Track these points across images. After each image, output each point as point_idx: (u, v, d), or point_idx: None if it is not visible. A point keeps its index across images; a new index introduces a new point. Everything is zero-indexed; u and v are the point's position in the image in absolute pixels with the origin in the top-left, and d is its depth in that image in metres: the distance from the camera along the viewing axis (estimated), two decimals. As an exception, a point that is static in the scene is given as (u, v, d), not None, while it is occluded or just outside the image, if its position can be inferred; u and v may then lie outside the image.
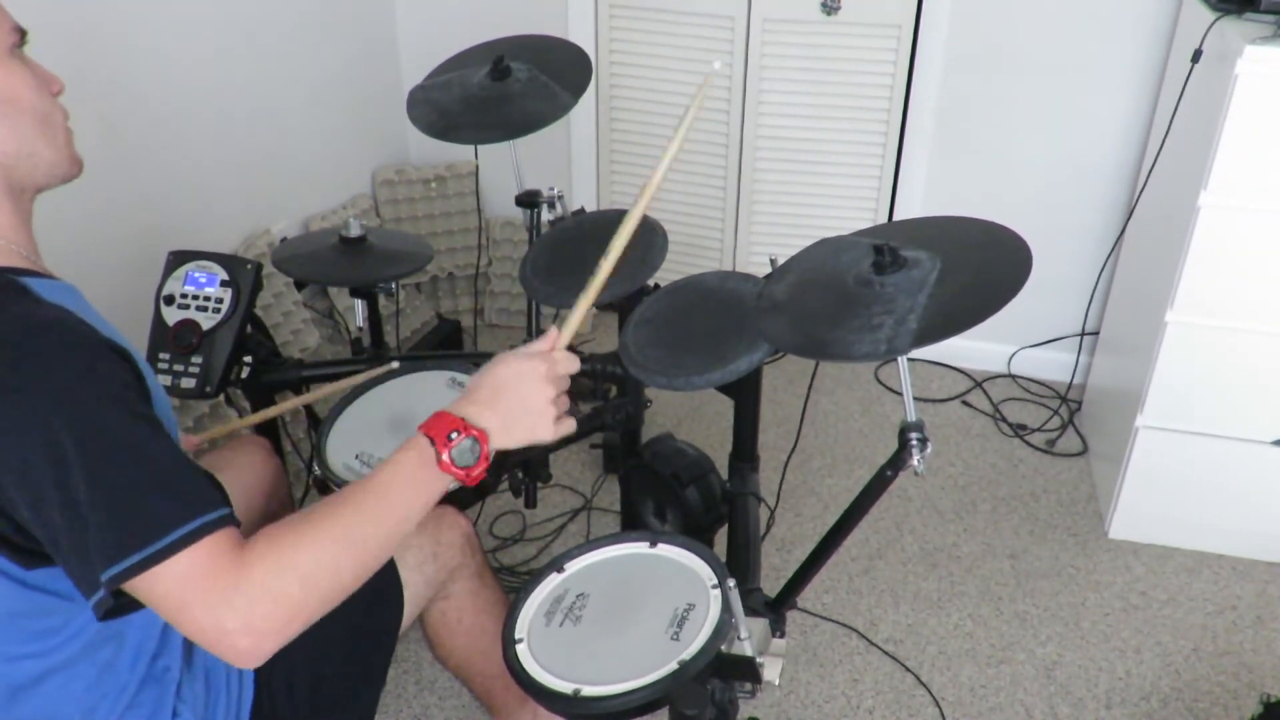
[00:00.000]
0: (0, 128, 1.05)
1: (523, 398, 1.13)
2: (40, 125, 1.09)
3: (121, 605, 0.96)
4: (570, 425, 1.17)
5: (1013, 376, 2.97)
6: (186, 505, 0.95)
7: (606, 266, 1.27)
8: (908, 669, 2.03)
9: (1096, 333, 2.79)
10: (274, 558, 0.96)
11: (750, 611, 1.31)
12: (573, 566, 1.39)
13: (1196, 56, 2.06)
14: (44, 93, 1.10)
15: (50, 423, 0.92)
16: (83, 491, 0.92)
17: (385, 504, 1.05)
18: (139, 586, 0.94)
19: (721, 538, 1.92)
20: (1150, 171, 2.35)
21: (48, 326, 0.98)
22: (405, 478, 1.07)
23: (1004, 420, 2.79)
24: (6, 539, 0.99)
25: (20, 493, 0.93)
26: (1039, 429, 2.75)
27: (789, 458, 2.38)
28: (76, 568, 0.94)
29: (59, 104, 1.12)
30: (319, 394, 1.74)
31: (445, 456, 1.07)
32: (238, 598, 0.93)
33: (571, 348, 1.27)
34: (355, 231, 2.01)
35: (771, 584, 1.73)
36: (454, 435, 1.08)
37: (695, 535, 1.73)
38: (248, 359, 1.88)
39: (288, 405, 1.75)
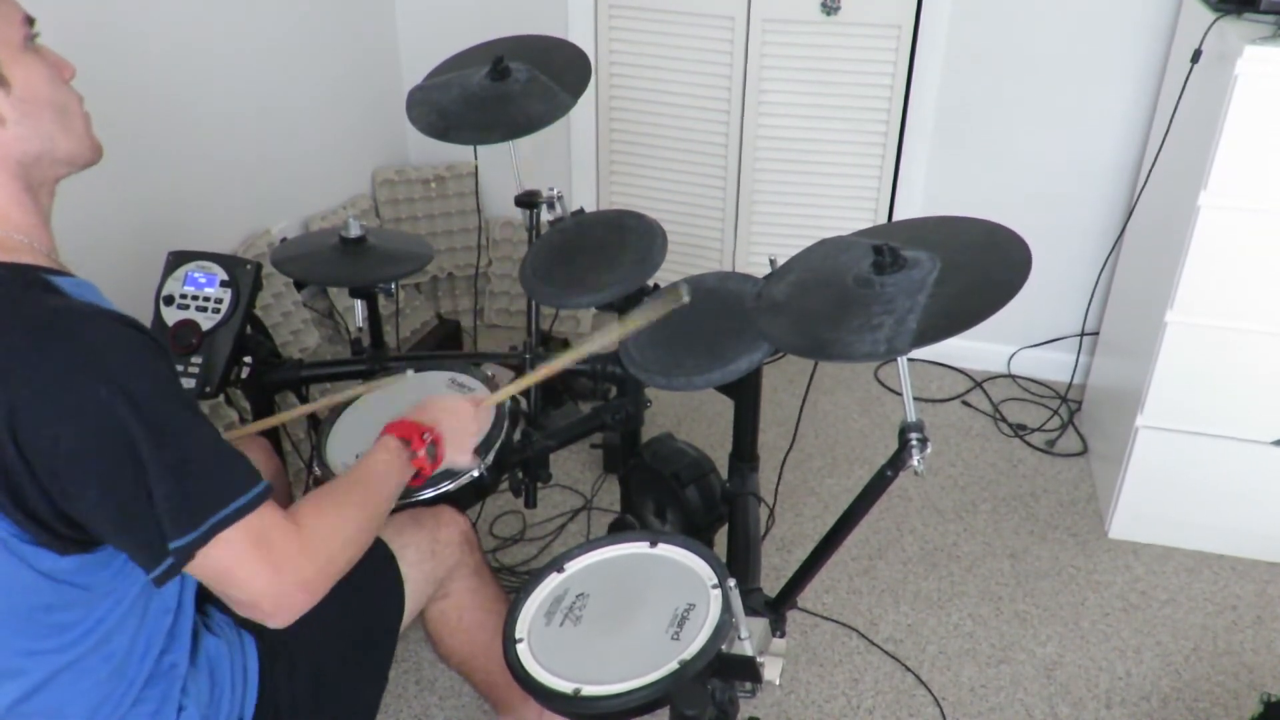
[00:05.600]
0: (22, 127, 1.06)
1: (457, 423, 1.43)
2: (58, 117, 1.09)
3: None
4: (476, 461, 1.49)
5: (1013, 376, 2.97)
6: (240, 478, 1.05)
7: (557, 365, 1.59)
8: (908, 669, 2.03)
9: (1096, 333, 2.80)
10: (324, 524, 1.12)
11: (750, 611, 1.31)
12: (573, 566, 1.39)
13: (1196, 56, 2.06)
14: (58, 83, 1.10)
15: (114, 404, 0.96)
16: (150, 467, 0.98)
17: (383, 485, 1.27)
18: (208, 554, 1.02)
19: (721, 538, 1.92)
20: (1150, 171, 2.36)
21: (92, 315, 1.01)
22: (390, 465, 1.29)
23: (1004, 420, 2.79)
24: (47, 525, 1.01)
25: (84, 475, 0.97)
26: (1039, 429, 2.75)
27: (788, 457, 2.38)
28: (144, 539, 1.00)
29: (73, 90, 1.12)
30: (324, 403, 1.75)
31: (422, 453, 1.33)
32: (298, 558, 1.07)
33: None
34: (355, 232, 2.01)
35: (771, 584, 1.73)
36: (426, 435, 1.35)
37: (695, 535, 1.73)
38: (247, 359, 1.88)
39: (295, 413, 1.76)
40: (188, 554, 1.01)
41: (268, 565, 1.05)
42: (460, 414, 1.44)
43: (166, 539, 1.00)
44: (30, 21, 1.08)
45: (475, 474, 1.60)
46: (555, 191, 2.09)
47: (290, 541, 1.07)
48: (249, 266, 1.83)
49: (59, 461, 0.96)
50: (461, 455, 1.44)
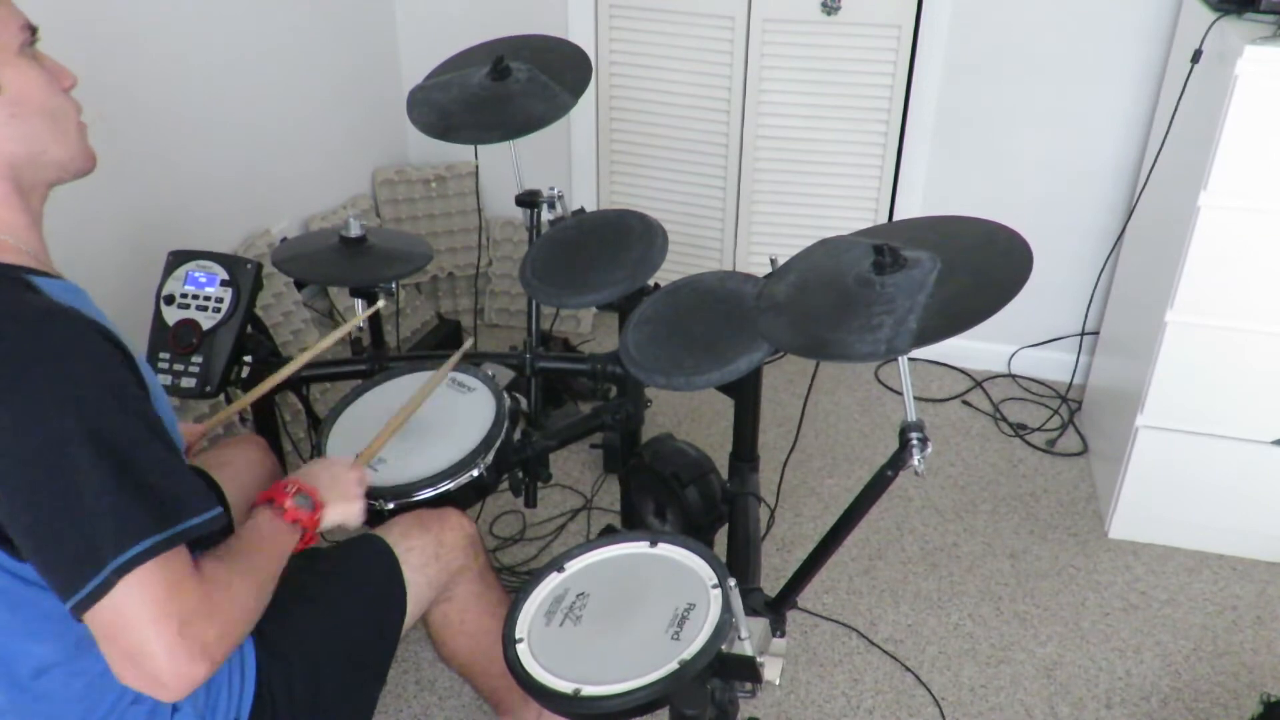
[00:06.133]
0: (10, 128, 1.05)
1: (335, 481, 1.37)
2: (50, 123, 1.09)
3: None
4: (361, 516, 1.40)
5: (1013, 376, 2.97)
6: (189, 500, 1.00)
7: (410, 409, 1.60)
8: (908, 669, 2.03)
9: (1096, 333, 2.80)
10: (227, 585, 1.05)
11: (750, 611, 1.31)
12: (573, 566, 1.39)
13: (1196, 56, 2.06)
14: (54, 89, 1.10)
15: (59, 407, 0.94)
16: (86, 479, 0.94)
17: (271, 551, 1.19)
18: (119, 593, 0.97)
19: (721, 538, 1.92)
20: (1150, 171, 2.36)
21: (57, 315, 0.99)
22: (267, 527, 1.22)
23: (1004, 420, 2.79)
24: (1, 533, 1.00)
25: (11, 478, 0.94)
26: (1039, 429, 2.75)
27: (788, 457, 2.38)
28: (68, 557, 0.97)
29: (71, 99, 1.12)
30: (307, 356, 1.73)
31: (289, 503, 1.25)
32: (204, 618, 1.01)
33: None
34: (355, 231, 2.01)
35: (771, 584, 1.73)
36: (289, 487, 1.27)
37: (695, 535, 1.73)
38: (248, 359, 1.88)
39: (281, 375, 1.75)
40: (126, 571, 0.95)
41: (173, 619, 0.97)
42: (334, 464, 1.40)
43: (103, 556, 0.94)
44: (31, 29, 1.08)
45: (475, 474, 1.60)
46: (556, 191, 2.09)
47: (195, 595, 1.00)
48: (249, 266, 1.83)
49: None
50: (346, 504, 1.36)
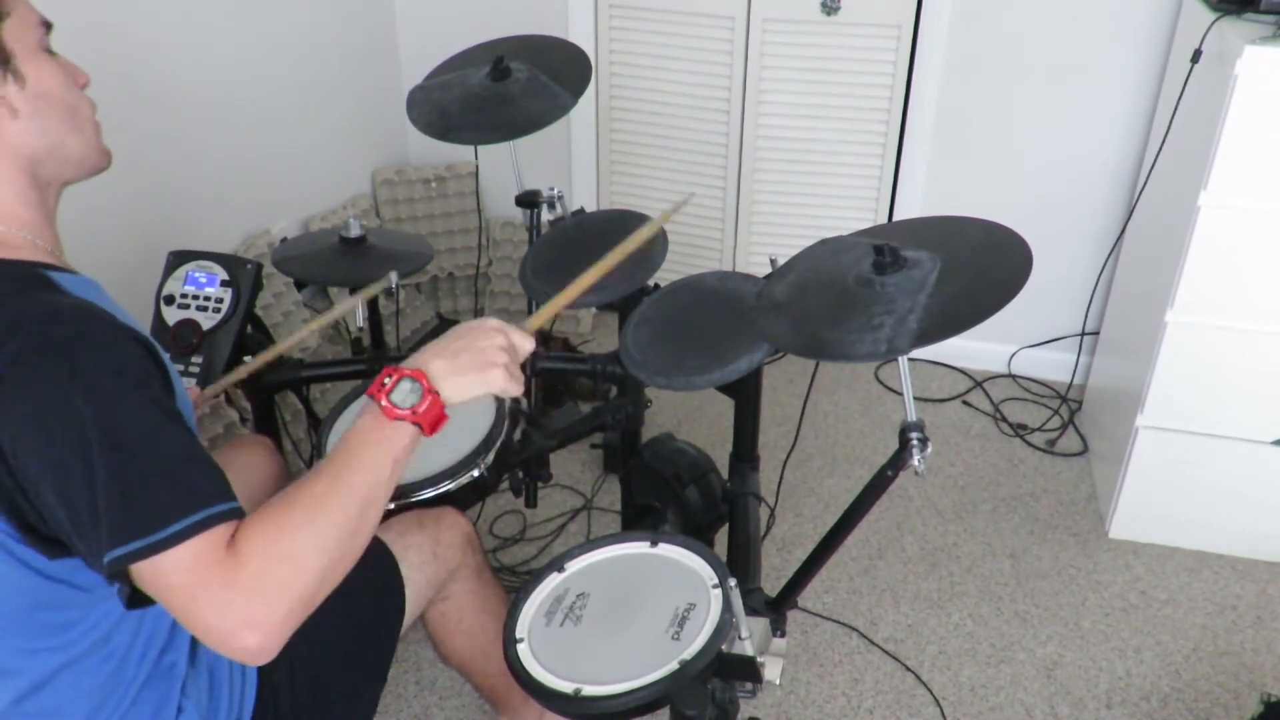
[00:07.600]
0: (31, 123, 1.06)
1: (473, 341, 1.13)
2: (69, 119, 1.10)
3: (144, 595, 0.97)
4: (518, 387, 1.16)
5: (1013, 376, 2.97)
6: (193, 496, 0.96)
7: (594, 274, 1.33)
8: (908, 669, 2.03)
9: (1096, 333, 2.80)
10: (261, 548, 0.97)
11: (751, 611, 1.31)
12: (573, 566, 1.39)
13: (1196, 57, 2.06)
14: (72, 86, 1.11)
15: (74, 405, 0.93)
16: (99, 474, 0.93)
17: (351, 469, 1.05)
18: (145, 577, 0.95)
19: (721, 538, 1.92)
20: (1150, 172, 2.36)
21: (72, 313, 0.99)
22: (362, 438, 1.07)
23: (1004, 420, 2.79)
24: (33, 528, 0.99)
25: (46, 477, 0.94)
26: (1039, 429, 2.75)
27: (788, 457, 2.38)
28: (86, 551, 0.95)
29: (86, 97, 1.14)
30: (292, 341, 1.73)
31: (384, 402, 1.07)
32: (236, 595, 0.94)
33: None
34: (355, 231, 2.01)
35: (771, 584, 1.73)
36: (388, 380, 1.08)
37: (695, 535, 1.73)
38: (248, 359, 1.88)
39: (271, 354, 1.72)
40: (119, 568, 0.93)
41: (208, 606, 0.94)
42: (480, 329, 1.15)
43: (102, 550, 0.93)
44: (46, 25, 1.09)
45: (475, 474, 1.60)
46: (555, 191, 2.09)
47: (224, 576, 0.94)
48: (249, 266, 1.83)
49: (21, 459, 0.94)
50: (479, 373, 1.12)
